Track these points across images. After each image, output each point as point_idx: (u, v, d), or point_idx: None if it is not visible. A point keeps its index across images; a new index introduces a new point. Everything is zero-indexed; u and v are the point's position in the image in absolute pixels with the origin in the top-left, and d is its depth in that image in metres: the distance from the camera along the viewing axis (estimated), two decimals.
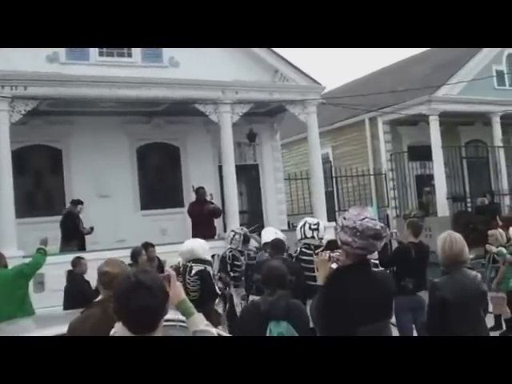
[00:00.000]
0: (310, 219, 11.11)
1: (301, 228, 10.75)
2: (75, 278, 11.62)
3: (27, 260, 11.61)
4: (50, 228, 16.45)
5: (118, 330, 3.57)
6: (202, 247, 10.93)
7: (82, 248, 15.53)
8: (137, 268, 4.09)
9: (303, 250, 10.57)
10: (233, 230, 13.87)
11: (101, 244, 15.86)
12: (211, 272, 10.91)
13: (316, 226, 10.81)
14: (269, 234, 12.76)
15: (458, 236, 6.26)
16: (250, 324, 5.89)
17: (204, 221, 17.52)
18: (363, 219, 4.73)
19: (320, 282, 5.10)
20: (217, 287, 10.93)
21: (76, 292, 10.84)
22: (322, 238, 10.73)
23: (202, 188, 18.29)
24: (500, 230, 14.10)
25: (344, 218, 4.83)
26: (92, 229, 16.75)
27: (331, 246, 9.11)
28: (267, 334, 5.70)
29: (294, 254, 10.80)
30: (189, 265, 10.72)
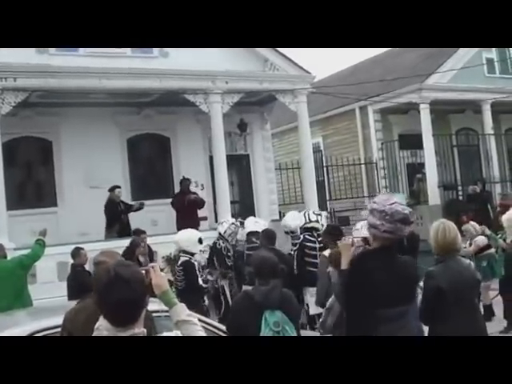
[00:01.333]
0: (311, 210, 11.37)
1: (304, 213, 10.90)
2: (75, 270, 11.61)
3: (19, 252, 11.61)
4: (41, 220, 16.44)
5: (101, 322, 3.61)
6: (188, 239, 10.99)
7: (124, 234, 15.37)
8: (119, 261, 4.09)
9: (307, 236, 10.67)
10: (233, 223, 13.85)
11: (91, 235, 15.84)
12: (196, 264, 10.93)
13: (319, 212, 11.01)
14: (250, 223, 12.80)
15: (452, 224, 6.28)
16: (243, 314, 5.89)
17: (186, 212, 17.53)
18: (392, 203, 4.85)
19: (344, 266, 5.18)
20: (200, 280, 10.90)
21: (76, 283, 10.83)
22: (323, 225, 10.87)
23: (187, 179, 18.31)
24: (472, 223, 14.17)
25: (374, 202, 5.02)
26: (142, 204, 17.12)
27: (333, 231, 9.17)
28: (262, 324, 5.71)
29: (298, 241, 10.89)
30: (177, 255, 10.86)
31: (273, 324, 5.69)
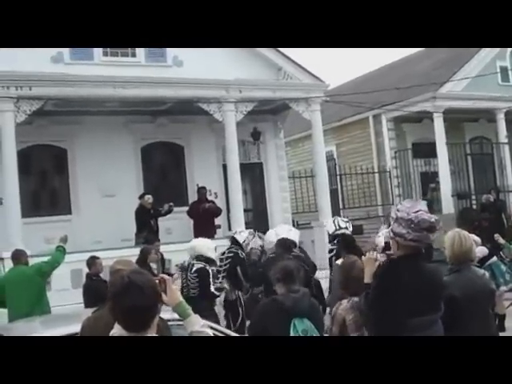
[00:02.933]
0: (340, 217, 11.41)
1: (334, 221, 10.90)
2: (91, 278, 11.65)
3: (34, 259, 11.66)
4: (55, 227, 16.52)
5: (116, 330, 3.65)
6: (205, 246, 11.04)
7: (152, 241, 15.33)
8: (133, 268, 4.14)
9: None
10: (250, 233, 13.80)
11: (105, 243, 15.89)
12: (210, 271, 10.95)
13: (347, 220, 11.01)
14: (283, 231, 12.66)
15: (467, 234, 6.25)
16: (271, 319, 5.81)
17: (202, 220, 17.64)
18: (417, 211, 4.80)
19: (367, 279, 5.17)
20: (213, 287, 10.91)
21: (92, 292, 10.87)
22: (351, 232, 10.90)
23: (203, 188, 18.45)
24: (472, 234, 14.11)
25: (398, 210, 4.94)
26: (171, 206, 17.25)
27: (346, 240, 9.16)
28: (291, 331, 5.70)
29: (334, 247, 10.85)
30: (191, 262, 10.88)
31: (301, 332, 5.69)
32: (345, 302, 6.03)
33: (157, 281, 3.90)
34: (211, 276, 10.91)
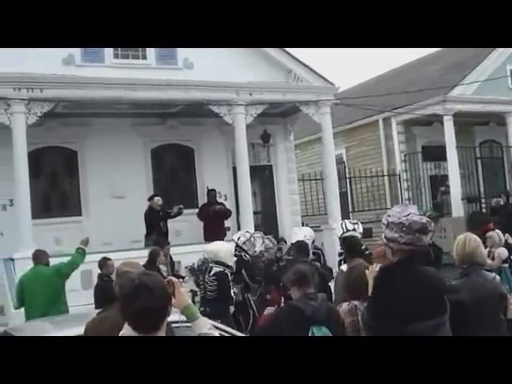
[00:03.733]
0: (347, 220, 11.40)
1: (341, 224, 10.91)
2: (102, 279, 11.71)
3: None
4: (66, 228, 16.62)
5: (125, 330, 3.68)
6: (227, 251, 11.14)
7: (162, 243, 15.31)
8: (143, 270, 4.17)
9: None
10: (247, 231, 13.84)
11: (115, 245, 15.93)
12: (229, 275, 11.02)
13: (355, 221, 11.02)
14: (299, 234, 12.61)
15: (474, 237, 6.21)
16: (289, 326, 5.62)
17: (212, 222, 17.70)
18: (408, 214, 4.78)
19: (370, 292, 5.14)
20: (232, 290, 11.00)
21: (102, 293, 10.93)
22: (361, 233, 10.90)
23: (213, 190, 18.50)
24: (497, 231, 14.09)
25: (388, 216, 4.89)
26: (181, 208, 17.32)
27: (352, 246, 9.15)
28: None
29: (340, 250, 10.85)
30: (210, 265, 10.96)
31: None
32: (345, 304, 6.03)
33: (165, 282, 3.94)
34: (230, 279, 11.00)
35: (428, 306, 4.72)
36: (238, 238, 13.07)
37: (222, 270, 10.84)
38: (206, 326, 4.10)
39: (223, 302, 10.64)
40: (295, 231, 12.95)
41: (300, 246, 11.08)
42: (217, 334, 4.15)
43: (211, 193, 18.60)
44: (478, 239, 6.28)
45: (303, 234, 12.32)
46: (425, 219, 4.88)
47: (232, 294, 10.98)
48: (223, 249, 11.28)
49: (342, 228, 11.04)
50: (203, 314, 11.01)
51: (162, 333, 3.63)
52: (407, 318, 4.61)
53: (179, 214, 17.41)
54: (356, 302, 5.94)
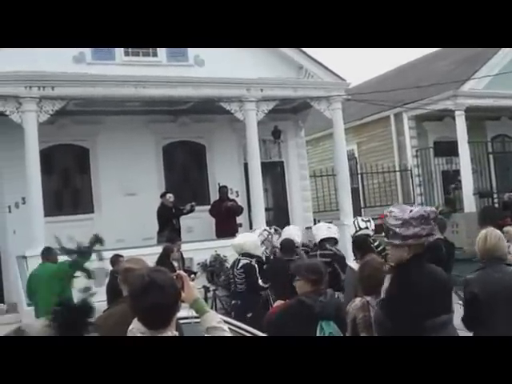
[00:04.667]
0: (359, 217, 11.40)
1: (354, 222, 10.88)
2: (114, 276, 11.74)
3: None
4: (78, 226, 16.63)
5: (135, 325, 3.72)
6: (252, 243, 11.18)
7: (174, 239, 15.29)
8: (152, 267, 4.19)
9: None
10: (265, 229, 13.83)
11: (127, 242, 15.96)
12: (257, 267, 11.08)
13: (367, 219, 10.99)
14: (322, 230, 12.48)
15: (495, 232, 6.25)
16: (298, 322, 5.72)
17: (224, 219, 17.73)
18: (413, 210, 4.83)
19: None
20: (260, 280, 11.05)
21: (114, 290, 10.95)
22: (373, 230, 10.88)
23: (225, 187, 18.52)
24: None
25: (395, 216, 4.90)
26: (193, 206, 17.36)
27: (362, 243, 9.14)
28: (318, 333, 5.63)
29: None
30: (238, 258, 11.04)
31: (328, 334, 5.66)
32: (357, 300, 6.03)
33: (174, 277, 3.97)
34: (257, 270, 11.05)
35: (438, 303, 4.74)
36: (254, 233, 13.09)
37: (248, 261, 10.91)
38: (216, 320, 4.11)
39: (253, 294, 10.84)
40: (320, 227, 12.69)
41: (287, 244, 11.12)
42: (226, 328, 4.15)
43: (223, 189, 18.63)
44: (500, 234, 6.30)
45: (333, 230, 12.10)
46: (425, 210, 4.93)
47: (261, 284, 11.03)
48: (248, 240, 11.34)
49: (355, 226, 10.98)
50: (234, 307, 11.13)
51: (172, 328, 3.67)
52: (424, 313, 4.62)
53: (191, 211, 17.43)
54: (368, 298, 5.94)
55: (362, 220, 11.11)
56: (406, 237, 4.90)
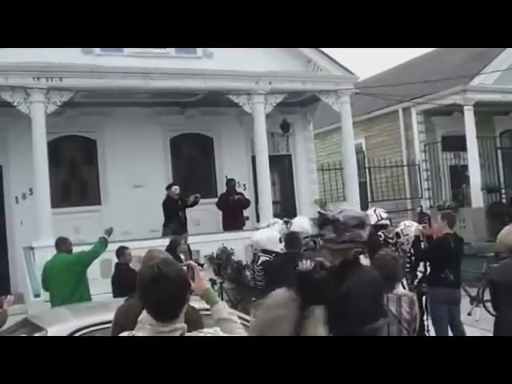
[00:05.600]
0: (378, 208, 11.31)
1: (375, 211, 10.82)
2: (120, 268, 11.76)
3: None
4: (85, 218, 16.70)
5: (144, 317, 3.72)
6: (269, 238, 11.07)
7: (180, 232, 15.32)
8: (162, 259, 4.17)
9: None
10: (284, 222, 13.73)
11: (133, 234, 15.97)
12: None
13: (386, 210, 10.98)
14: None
15: None
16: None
17: (231, 212, 17.71)
18: (341, 211, 4.58)
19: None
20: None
21: (121, 281, 10.97)
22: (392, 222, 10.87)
23: (232, 180, 18.49)
24: None
25: (333, 220, 4.64)
26: (197, 197, 17.22)
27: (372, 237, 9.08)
28: None
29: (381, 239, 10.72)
30: (258, 254, 10.98)
31: None
32: None
33: (185, 268, 3.99)
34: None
35: (377, 306, 4.57)
36: (275, 227, 12.97)
37: (267, 258, 10.83)
38: (226, 311, 4.12)
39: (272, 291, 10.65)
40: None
41: (290, 237, 11.05)
42: (237, 319, 4.15)
43: (230, 182, 18.60)
44: None
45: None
46: (360, 213, 4.66)
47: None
48: (266, 236, 11.23)
49: (376, 215, 10.91)
50: (255, 304, 11.08)
51: (181, 320, 3.64)
52: (357, 319, 4.41)
53: (196, 202, 17.34)
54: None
55: (383, 211, 11.03)
56: (325, 240, 4.72)
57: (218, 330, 3.85)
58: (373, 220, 11.14)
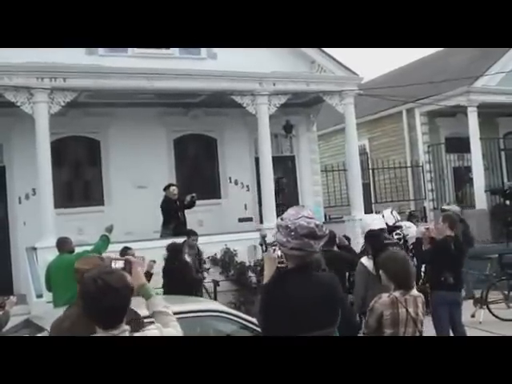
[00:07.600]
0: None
1: (391, 212, 10.75)
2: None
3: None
4: (88, 218, 16.68)
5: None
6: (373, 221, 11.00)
7: (180, 233, 15.27)
8: (102, 269, 4.20)
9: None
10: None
11: (136, 235, 15.94)
12: None
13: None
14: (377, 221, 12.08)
15: None
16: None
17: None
18: (298, 218, 4.46)
19: (265, 279, 4.77)
20: None
21: None
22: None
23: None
24: None
25: (281, 219, 4.59)
26: (193, 197, 17.15)
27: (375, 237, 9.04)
28: None
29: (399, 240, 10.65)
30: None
31: None
32: (385, 296, 5.95)
33: (122, 262, 4.27)
34: None
35: (321, 315, 4.45)
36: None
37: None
38: (161, 305, 4.23)
39: None
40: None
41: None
42: (171, 312, 4.23)
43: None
44: None
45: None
46: (314, 223, 4.49)
47: None
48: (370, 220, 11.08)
49: (394, 216, 10.83)
50: None
51: (123, 325, 3.75)
52: (300, 326, 4.30)
53: (192, 202, 17.20)
54: (397, 294, 5.88)
55: (397, 213, 10.96)
56: (278, 242, 4.60)
57: (159, 326, 3.97)
58: (390, 221, 11.11)
